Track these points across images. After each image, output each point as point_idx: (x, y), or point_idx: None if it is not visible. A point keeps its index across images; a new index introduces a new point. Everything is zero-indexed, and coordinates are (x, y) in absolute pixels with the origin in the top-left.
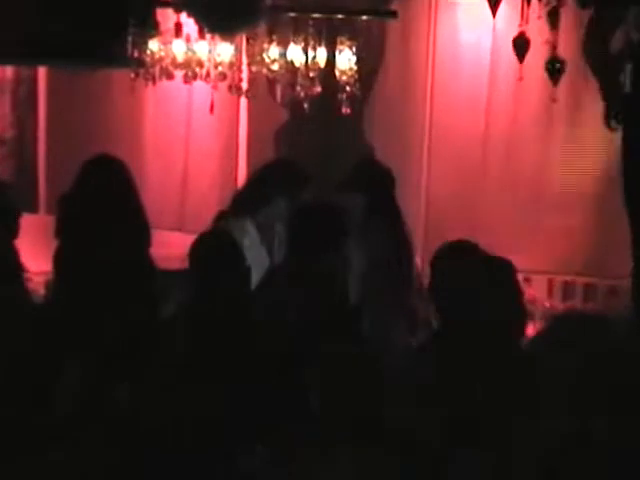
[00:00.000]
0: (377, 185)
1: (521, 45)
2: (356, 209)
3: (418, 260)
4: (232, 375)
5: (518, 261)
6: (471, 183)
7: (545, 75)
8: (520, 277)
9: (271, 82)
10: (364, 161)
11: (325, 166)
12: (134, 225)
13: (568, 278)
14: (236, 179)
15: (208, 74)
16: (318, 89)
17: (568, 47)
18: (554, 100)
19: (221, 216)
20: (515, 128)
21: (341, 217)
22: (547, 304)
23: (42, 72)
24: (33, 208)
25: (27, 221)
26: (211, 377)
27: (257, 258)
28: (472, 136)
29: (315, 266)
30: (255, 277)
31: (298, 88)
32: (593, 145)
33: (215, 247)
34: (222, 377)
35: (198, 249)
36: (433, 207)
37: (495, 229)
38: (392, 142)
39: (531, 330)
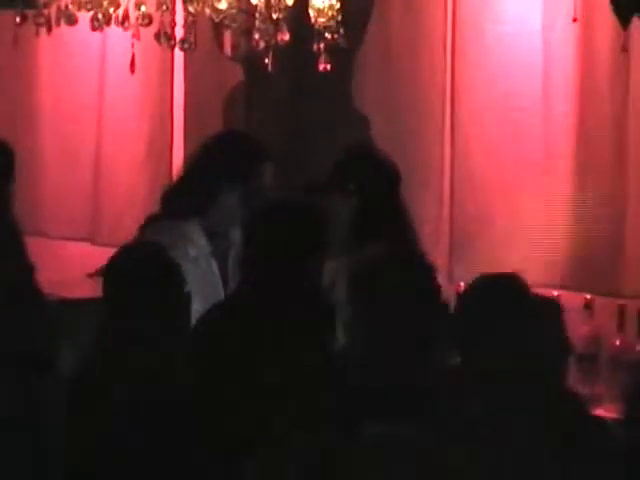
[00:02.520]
0: (375, 187)
1: None
2: None
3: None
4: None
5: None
6: (511, 169)
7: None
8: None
9: (217, 27)
10: (353, 150)
11: (295, 150)
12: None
13: None
14: (170, 168)
15: (126, 17)
16: (285, 37)
17: None
18: (626, 49)
19: (150, 222)
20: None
21: (318, 220)
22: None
23: None
24: None
25: None
26: None
27: (206, 277)
28: (514, 109)
29: (279, 290)
30: (201, 304)
31: (256, 36)
32: None
33: (142, 265)
34: None
35: (116, 268)
36: (457, 209)
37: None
38: (394, 115)
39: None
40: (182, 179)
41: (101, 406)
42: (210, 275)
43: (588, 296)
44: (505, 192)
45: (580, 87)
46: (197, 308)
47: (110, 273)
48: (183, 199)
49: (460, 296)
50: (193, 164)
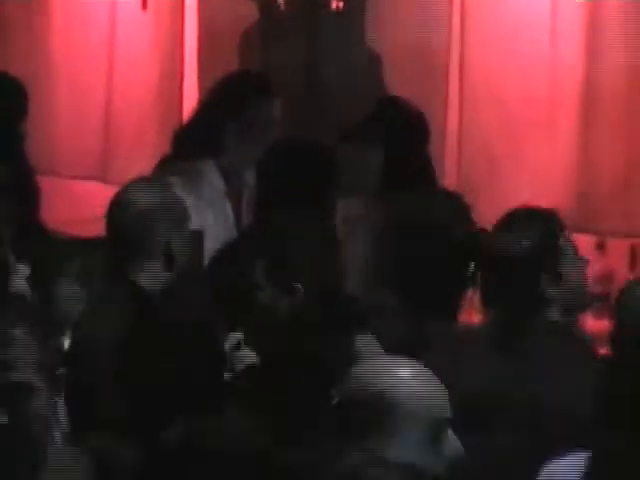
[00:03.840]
0: (407, 139)
1: None
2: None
3: None
4: None
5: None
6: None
7: None
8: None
9: None
10: (386, 101)
11: (311, 88)
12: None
13: None
14: (181, 108)
15: None
16: None
17: None
18: None
19: (163, 162)
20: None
21: (329, 157)
22: None
23: None
24: None
25: None
26: None
27: (220, 216)
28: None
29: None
30: (214, 243)
31: None
32: None
33: (145, 202)
34: None
35: (117, 204)
36: (467, 152)
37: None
38: (407, 54)
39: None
40: (192, 119)
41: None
42: (224, 215)
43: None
44: (511, 137)
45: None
46: (211, 247)
47: (111, 209)
48: (194, 138)
49: None
50: (202, 104)
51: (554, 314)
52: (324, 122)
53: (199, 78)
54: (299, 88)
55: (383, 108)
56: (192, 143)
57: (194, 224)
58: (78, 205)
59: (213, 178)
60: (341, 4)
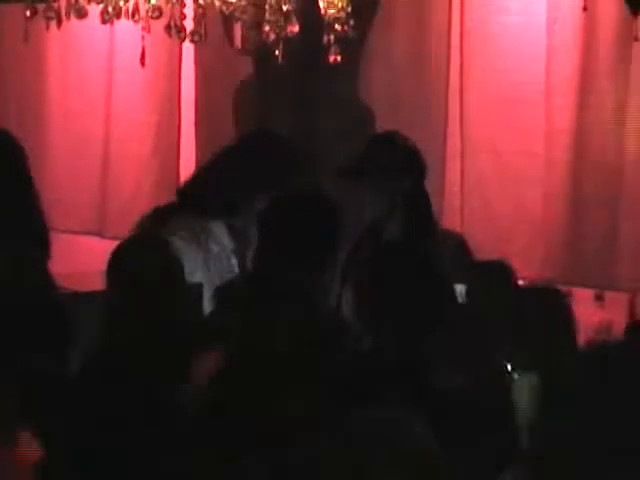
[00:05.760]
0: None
1: None
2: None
3: None
4: None
5: None
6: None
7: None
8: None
9: (227, 20)
10: (383, 137)
11: (309, 142)
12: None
13: None
14: (178, 160)
15: (136, 9)
16: (295, 29)
17: None
18: (637, 38)
19: (166, 213)
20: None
21: (334, 211)
22: None
23: None
24: None
25: None
26: None
27: (224, 272)
28: (518, 100)
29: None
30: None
31: (266, 28)
32: None
33: (145, 258)
34: None
35: (120, 261)
36: (467, 202)
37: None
38: (397, 107)
39: None
40: (211, 176)
41: None
42: (229, 272)
43: None
44: (507, 185)
45: (581, 81)
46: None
47: (110, 266)
48: (213, 198)
49: None
50: (226, 162)
51: None
52: (323, 170)
53: (196, 133)
54: (298, 140)
55: (383, 145)
56: (210, 202)
57: (200, 278)
58: (76, 260)
59: (223, 237)
60: (339, 57)
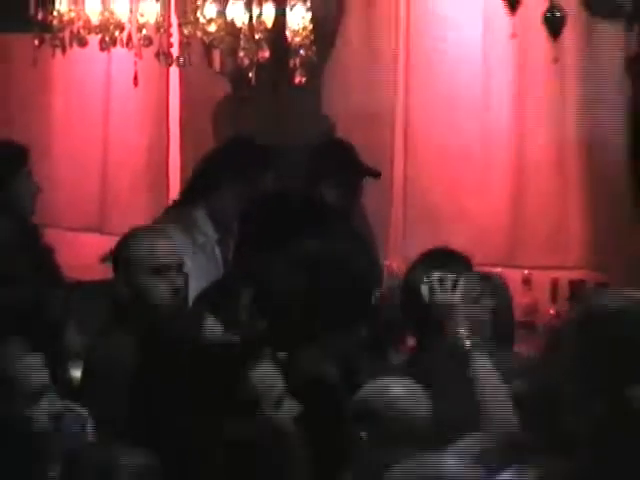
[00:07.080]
0: (349, 172)
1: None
2: None
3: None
4: None
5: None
6: (461, 169)
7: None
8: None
9: (208, 47)
10: (329, 142)
11: (277, 150)
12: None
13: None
14: (167, 166)
15: (130, 39)
16: (266, 54)
17: None
18: (556, 60)
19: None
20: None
21: (315, 207)
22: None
23: None
24: None
25: None
26: None
27: (209, 262)
28: (458, 112)
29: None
30: (202, 285)
31: (241, 54)
32: None
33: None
34: None
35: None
36: (411, 201)
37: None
38: (358, 118)
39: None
40: (193, 176)
41: None
42: (213, 261)
43: (526, 272)
44: (450, 185)
45: (517, 95)
46: (198, 287)
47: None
48: (189, 186)
49: None
50: (204, 163)
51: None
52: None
53: (181, 144)
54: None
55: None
56: (187, 190)
57: (188, 266)
58: (77, 253)
59: (207, 229)
60: (303, 79)
